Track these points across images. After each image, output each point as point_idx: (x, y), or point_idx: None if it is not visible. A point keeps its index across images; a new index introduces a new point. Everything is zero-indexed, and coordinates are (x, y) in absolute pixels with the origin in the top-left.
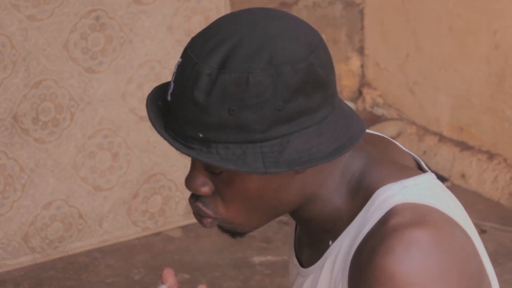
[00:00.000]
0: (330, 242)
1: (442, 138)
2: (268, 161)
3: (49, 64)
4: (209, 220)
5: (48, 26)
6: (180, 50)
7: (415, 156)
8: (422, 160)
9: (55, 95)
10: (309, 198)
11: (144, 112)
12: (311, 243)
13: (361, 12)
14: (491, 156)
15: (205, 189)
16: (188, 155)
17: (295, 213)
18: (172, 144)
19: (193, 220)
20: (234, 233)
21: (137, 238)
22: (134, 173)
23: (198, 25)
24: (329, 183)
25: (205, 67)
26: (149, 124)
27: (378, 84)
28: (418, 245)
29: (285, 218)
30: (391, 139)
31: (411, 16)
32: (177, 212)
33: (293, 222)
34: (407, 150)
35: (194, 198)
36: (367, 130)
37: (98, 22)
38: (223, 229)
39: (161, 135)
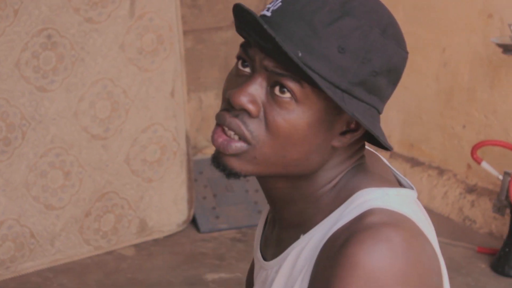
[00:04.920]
0: (301, 235)
1: (393, 154)
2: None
3: (0, 83)
4: (237, 144)
5: None
6: (132, 68)
7: (399, 174)
8: (407, 179)
9: (7, 114)
10: (315, 173)
11: (96, 131)
12: (279, 239)
13: None
14: (441, 172)
15: (253, 107)
16: (288, 53)
17: (289, 188)
18: (275, 37)
19: (146, 238)
20: (233, 173)
21: (89, 257)
22: (87, 192)
23: (150, 43)
24: (331, 171)
25: (335, 2)
26: (101, 142)
27: None
28: (389, 244)
29: (238, 235)
30: (380, 156)
31: None
32: (129, 230)
33: (262, 220)
34: (393, 169)
35: (233, 114)
36: None
37: (49, 41)
38: (223, 165)
39: (263, 26)
